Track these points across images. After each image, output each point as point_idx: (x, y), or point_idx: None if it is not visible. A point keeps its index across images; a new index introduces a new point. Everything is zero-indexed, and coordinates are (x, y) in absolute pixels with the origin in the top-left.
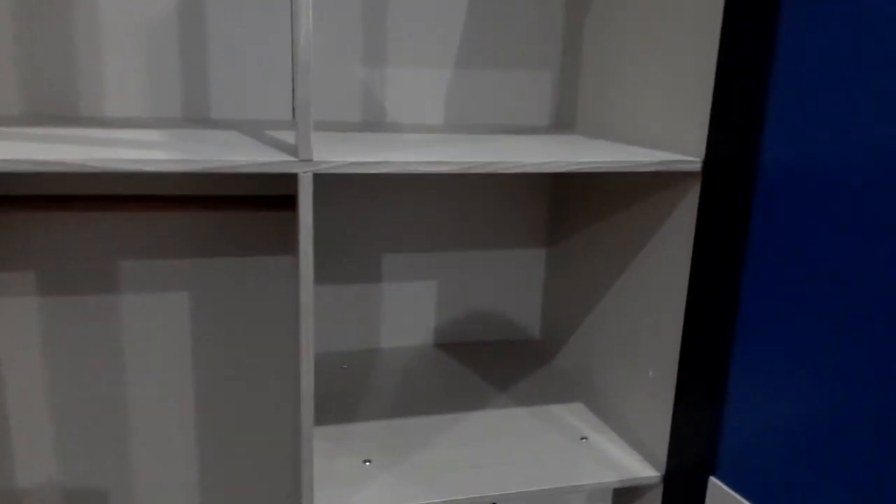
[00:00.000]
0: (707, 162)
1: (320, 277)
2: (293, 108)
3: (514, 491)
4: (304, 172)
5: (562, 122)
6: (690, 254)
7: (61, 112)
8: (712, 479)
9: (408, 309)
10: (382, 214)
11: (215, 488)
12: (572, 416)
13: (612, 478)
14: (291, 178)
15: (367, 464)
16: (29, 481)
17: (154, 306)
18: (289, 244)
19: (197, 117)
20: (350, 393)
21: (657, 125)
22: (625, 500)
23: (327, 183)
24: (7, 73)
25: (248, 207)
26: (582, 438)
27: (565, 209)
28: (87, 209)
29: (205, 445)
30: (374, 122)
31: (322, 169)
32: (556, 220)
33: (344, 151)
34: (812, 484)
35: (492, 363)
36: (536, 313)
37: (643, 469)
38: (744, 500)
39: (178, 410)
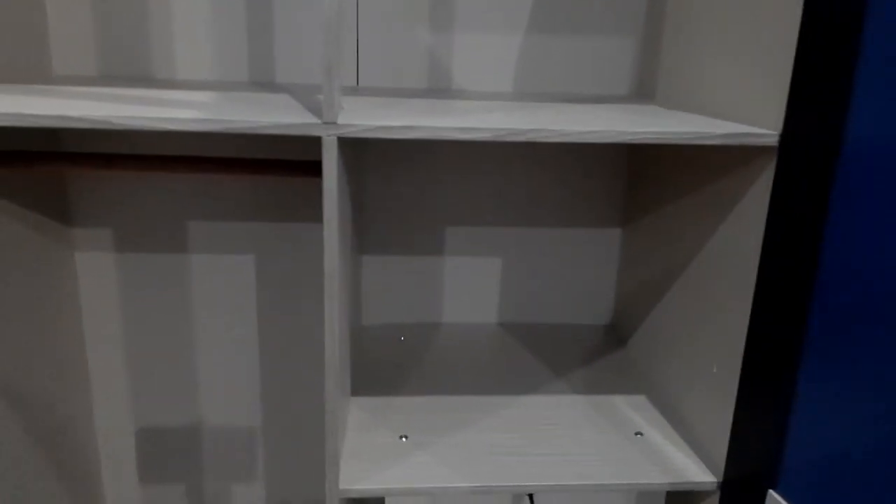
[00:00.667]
0: (784, 136)
1: (384, 247)
2: (357, 73)
3: (552, 483)
4: (328, 136)
5: (642, 91)
6: (761, 240)
7: (134, 74)
8: (771, 492)
9: (472, 285)
10: (449, 186)
11: (276, 436)
12: (632, 408)
13: (663, 479)
14: (359, 143)
15: (404, 440)
16: (106, 422)
17: (220, 266)
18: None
19: (263, 81)
20: (402, 366)
21: (736, 96)
22: (678, 503)
23: (391, 151)
24: (84, 36)
25: (313, 174)
26: (637, 434)
27: (642, 187)
28: (140, 168)
29: (267, 395)
30: (439, 89)
31: (346, 132)
32: (632, 199)
33: (377, 115)
34: None
35: (555, 347)
36: (609, 297)
37: (699, 473)
38: None
39: (244, 364)
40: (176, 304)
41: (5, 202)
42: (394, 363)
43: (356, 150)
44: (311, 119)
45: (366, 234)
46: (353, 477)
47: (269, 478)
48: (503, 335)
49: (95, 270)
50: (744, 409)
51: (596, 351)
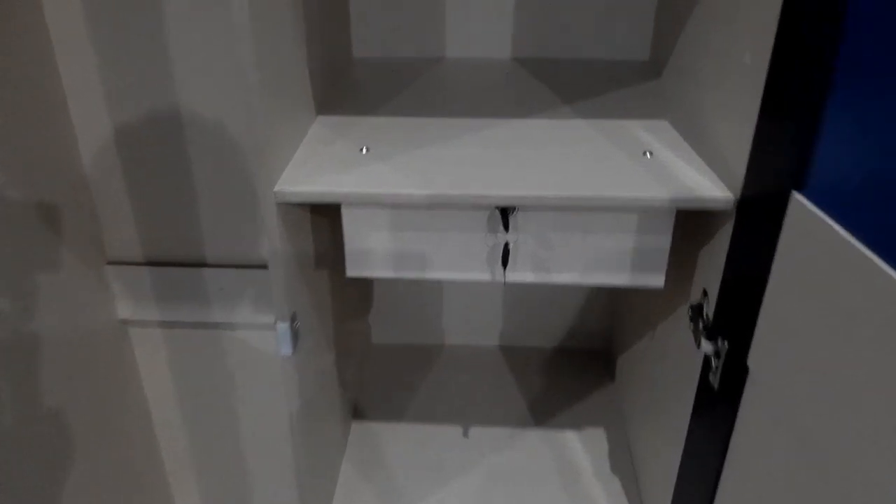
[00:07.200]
0: None
1: None
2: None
3: (525, 195)
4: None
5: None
6: None
7: None
8: (795, 193)
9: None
10: None
11: None
12: (647, 131)
13: (667, 195)
14: None
15: (364, 151)
16: None
17: None
18: None
19: None
20: (389, 88)
21: None
22: (690, 230)
23: None
24: None
25: None
26: (645, 153)
27: None
28: None
29: None
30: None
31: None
32: None
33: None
34: None
35: (580, 81)
36: (647, 30)
37: (713, 189)
38: (831, 221)
39: None
40: None
41: None
42: (381, 82)
43: None
44: None
45: None
46: (294, 180)
47: None
48: (517, 67)
49: None
50: (770, 110)
51: (625, 83)
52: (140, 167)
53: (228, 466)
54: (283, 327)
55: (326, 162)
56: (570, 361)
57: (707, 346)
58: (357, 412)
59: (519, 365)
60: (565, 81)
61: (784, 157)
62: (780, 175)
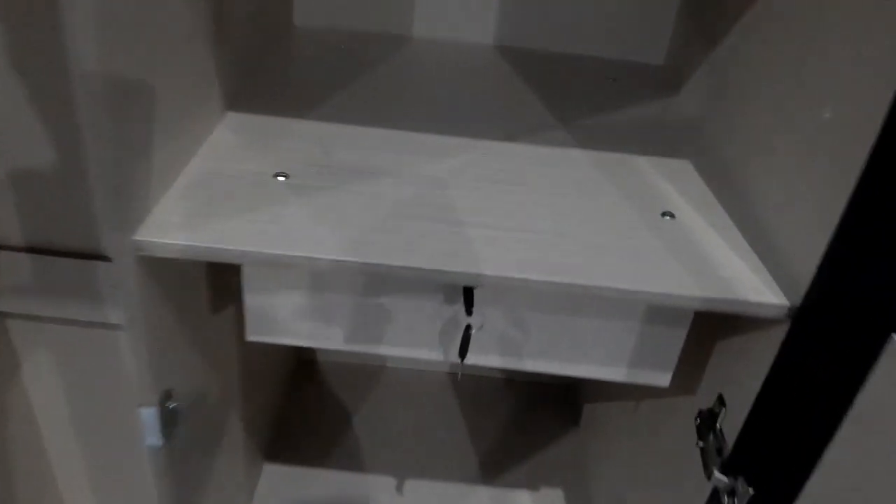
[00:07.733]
0: None
1: None
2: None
3: (479, 273)
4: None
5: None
6: None
7: None
8: None
9: None
10: None
11: None
12: (665, 176)
13: (689, 291)
14: None
15: (280, 179)
16: None
17: None
18: None
19: None
20: (335, 79)
21: None
22: (715, 331)
23: None
24: None
25: None
26: (664, 215)
27: None
28: None
29: None
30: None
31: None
32: None
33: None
34: None
35: (579, 87)
36: (665, 32)
37: (759, 289)
38: None
39: None
40: None
41: None
42: (324, 66)
43: None
44: None
45: None
46: (167, 224)
47: None
48: (500, 59)
49: None
50: (872, 203)
51: (635, 95)
52: (22, 134)
53: (123, 473)
54: (149, 414)
55: (222, 194)
56: (529, 395)
57: (721, 481)
58: (272, 449)
59: (470, 397)
60: (560, 86)
61: (887, 285)
62: (877, 309)
